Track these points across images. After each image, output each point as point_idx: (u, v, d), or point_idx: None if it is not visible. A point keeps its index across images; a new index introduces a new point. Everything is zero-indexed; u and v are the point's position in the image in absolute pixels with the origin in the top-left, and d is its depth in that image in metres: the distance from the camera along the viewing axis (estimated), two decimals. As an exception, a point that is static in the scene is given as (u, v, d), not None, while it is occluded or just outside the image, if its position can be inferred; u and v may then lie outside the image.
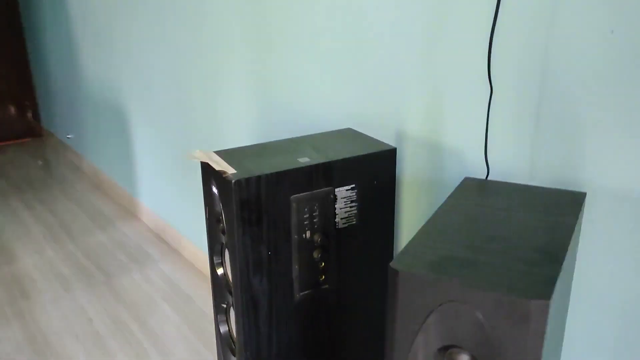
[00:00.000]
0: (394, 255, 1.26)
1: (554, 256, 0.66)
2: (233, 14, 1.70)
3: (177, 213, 2.47)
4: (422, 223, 1.22)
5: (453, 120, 1.07)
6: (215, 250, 1.09)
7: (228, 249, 1.01)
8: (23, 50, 4.30)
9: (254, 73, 1.67)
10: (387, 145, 1.09)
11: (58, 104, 3.93)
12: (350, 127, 1.32)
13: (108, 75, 2.86)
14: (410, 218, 1.23)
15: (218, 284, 1.12)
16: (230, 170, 0.96)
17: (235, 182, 0.93)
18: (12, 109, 4.38)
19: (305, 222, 1.02)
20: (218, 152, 1.06)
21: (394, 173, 1.08)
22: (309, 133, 1.47)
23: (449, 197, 0.85)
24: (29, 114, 4.44)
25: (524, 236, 0.71)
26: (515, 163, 0.97)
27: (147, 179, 2.71)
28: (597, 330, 0.93)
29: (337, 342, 1.14)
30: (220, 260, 1.10)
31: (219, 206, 1.02)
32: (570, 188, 0.90)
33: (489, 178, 1.01)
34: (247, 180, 0.94)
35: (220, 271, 1.10)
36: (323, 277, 1.08)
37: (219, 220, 1.04)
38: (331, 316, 1.11)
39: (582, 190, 0.88)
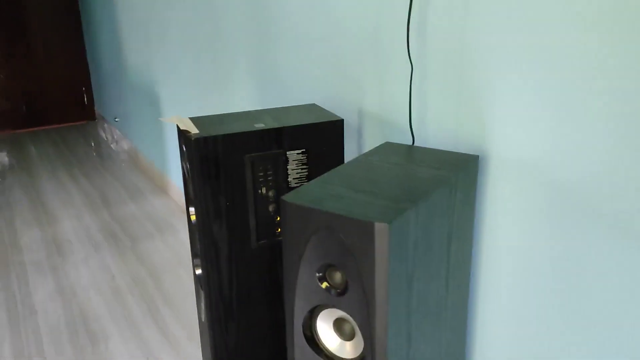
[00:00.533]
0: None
1: (413, 197, 0.80)
2: (237, 13, 1.88)
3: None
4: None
5: (395, 97, 1.20)
6: (190, 201, 1.28)
7: (192, 198, 1.19)
8: (81, 44, 4.67)
9: (256, 61, 1.85)
10: (336, 116, 1.24)
11: (108, 91, 4.25)
12: (315, 103, 1.48)
13: (145, 65, 3.12)
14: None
15: (192, 231, 1.31)
16: (194, 130, 1.15)
17: (194, 140, 1.11)
18: (72, 95, 4.76)
19: (260, 180, 1.19)
20: (191, 118, 1.25)
21: (342, 141, 1.23)
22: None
23: (363, 154, 0.99)
24: (85, 100, 4.80)
25: (402, 183, 0.86)
26: (436, 132, 1.11)
27: (176, 159, 2.94)
28: (497, 271, 1.05)
29: (291, 288, 1.31)
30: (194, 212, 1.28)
31: (186, 163, 1.20)
32: (476, 153, 1.02)
33: (415, 144, 1.14)
34: (205, 139, 1.12)
35: (194, 219, 1.29)
36: (279, 229, 1.25)
37: (187, 172, 1.23)
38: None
39: (482, 154, 1.01)
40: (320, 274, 0.82)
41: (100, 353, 1.83)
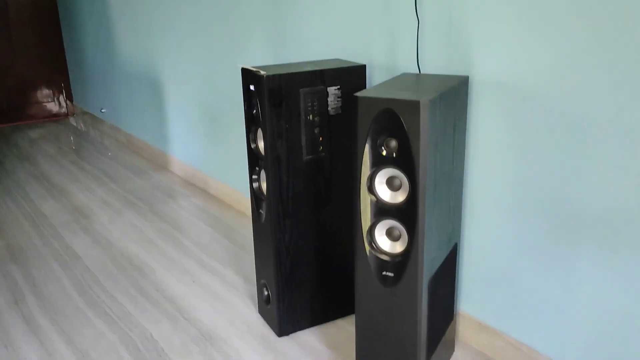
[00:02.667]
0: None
1: (435, 92, 1.27)
2: (254, -10, 2.31)
3: (205, 158, 3.08)
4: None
5: (400, 48, 1.68)
6: (251, 130, 1.70)
7: (260, 124, 1.62)
8: (58, 34, 4.92)
9: (271, 29, 2.28)
10: (360, 63, 1.70)
11: (92, 84, 4.54)
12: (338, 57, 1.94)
13: (144, 48, 3.48)
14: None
15: (252, 154, 1.73)
16: (262, 72, 1.57)
17: (265, 77, 1.54)
18: (47, 90, 5.00)
19: (309, 109, 1.63)
20: (255, 67, 1.67)
21: (364, 80, 1.69)
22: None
23: (388, 80, 1.46)
24: (64, 95, 5.05)
25: (425, 87, 1.32)
26: (434, 69, 1.58)
27: (178, 136, 3.32)
28: (482, 158, 1.54)
29: (330, 192, 1.75)
30: (254, 138, 1.70)
31: (255, 98, 1.63)
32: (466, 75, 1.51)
33: (422, 71, 1.62)
34: (272, 76, 1.55)
35: (253, 145, 1.71)
36: (321, 147, 1.69)
37: (253, 108, 1.65)
38: (326, 174, 1.72)
39: (471, 76, 1.50)
40: (380, 144, 1.27)
41: (151, 280, 2.20)
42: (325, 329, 1.86)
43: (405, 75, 1.51)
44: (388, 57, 1.76)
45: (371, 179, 1.32)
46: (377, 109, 1.25)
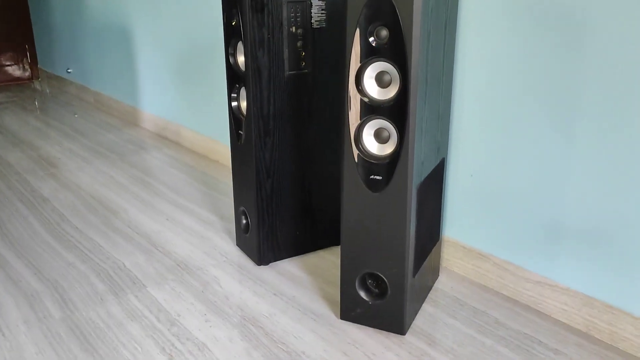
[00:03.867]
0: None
1: (432, -23, 1.22)
2: None
3: (178, 109, 2.98)
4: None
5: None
6: (231, 44, 1.62)
7: (241, 33, 1.54)
8: (25, 4, 4.72)
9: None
10: (346, -27, 1.63)
11: (57, 43, 4.37)
12: None
13: (113, 4, 3.34)
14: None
15: (231, 70, 1.65)
16: (244, -23, 1.49)
17: (248, -21, 1.47)
18: (10, 53, 4.79)
19: (292, 20, 1.56)
20: (233, -24, 1.59)
21: (350, -8, 1.63)
22: None
23: None
24: (29, 57, 4.85)
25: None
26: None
27: (149, 89, 3.20)
28: (470, 58, 1.49)
29: (313, 110, 1.68)
30: (233, 52, 1.62)
31: (235, 7, 1.55)
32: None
33: None
34: (256, -20, 1.48)
35: (232, 60, 1.63)
36: (303, 63, 1.62)
37: (232, 18, 1.57)
38: (308, 91, 1.66)
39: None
40: (371, 33, 1.21)
41: (123, 219, 2.11)
42: (307, 258, 1.80)
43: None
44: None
45: (360, 73, 1.26)
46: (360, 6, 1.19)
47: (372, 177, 1.32)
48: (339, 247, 1.87)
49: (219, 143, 2.70)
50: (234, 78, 1.65)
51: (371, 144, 1.31)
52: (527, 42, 1.38)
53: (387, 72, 1.24)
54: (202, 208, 2.20)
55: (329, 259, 1.80)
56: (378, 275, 1.39)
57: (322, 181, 1.77)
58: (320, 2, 1.59)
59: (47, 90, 4.53)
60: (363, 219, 1.36)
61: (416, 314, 1.50)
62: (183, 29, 2.74)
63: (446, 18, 1.37)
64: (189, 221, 2.08)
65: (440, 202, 1.60)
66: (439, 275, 1.70)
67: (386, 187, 1.31)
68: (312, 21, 1.60)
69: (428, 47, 1.25)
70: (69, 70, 4.33)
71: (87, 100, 4.09)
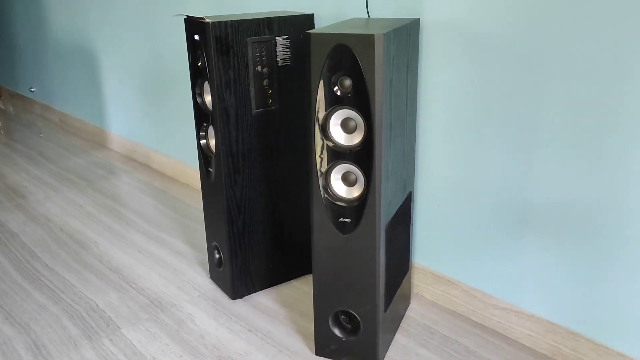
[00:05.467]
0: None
1: (389, 29, 1.24)
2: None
3: (146, 132, 2.96)
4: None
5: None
6: (197, 83, 1.63)
7: (207, 75, 1.55)
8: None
9: (212, -8, 2.20)
10: (309, 13, 1.65)
11: (19, 61, 4.29)
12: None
13: (76, 23, 3.30)
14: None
15: (198, 110, 1.66)
16: (207, 19, 1.51)
17: (211, 23, 1.48)
18: (-26, 70, 4.68)
19: (257, 59, 1.58)
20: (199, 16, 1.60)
21: (313, 28, 1.65)
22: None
23: (345, 20, 1.42)
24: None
25: (378, 25, 1.30)
26: (385, 7, 1.56)
27: (115, 110, 3.17)
28: (432, 95, 1.53)
29: (281, 146, 1.70)
30: (200, 92, 1.63)
31: (200, 48, 1.56)
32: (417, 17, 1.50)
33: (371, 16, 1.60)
34: (219, 23, 1.49)
35: (200, 100, 1.64)
36: (270, 100, 1.64)
37: (198, 60, 1.58)
38: (275, 127, 1.68)
39: (421, 18, 1.49)
40: (335, 83, 1.24)
41: (94, 253, 2.10)
42: (280, 290, 1.83)
43: (355, 19, 1.48)
44: (336, 6, 1.72)
45: (326, 120, 1.28)
46: (330, 45, 1.21)
47: (341, 219, 1.35)
48: (311, 275, 1.90)
49: (188, 167, 2.69)
50: (202, 116, 1.66)
51: (339, 188, 1.34)
52: (484, 75, 1.42)
53: (352, 119, 1.27)
54: (175, 237, 2.20)
55: (302, 289, 1.82)
56: (350, 312, 1.42)
57: (292, 213, 1.79)
58: (285, 40, 1.61)
59: (11, 109, 4.45)
60: (334, 259, 1.38)
61: (389, 346, 1.53)
62: (148, 52, 2.73)
63: (408, 61, 1.40)
64: (161, 253, 2.08)
65: (409, 233, 1.63)
66: (410, 302, 1.74)
67: (355, 229, 1.34)
68: (278, 59, 1.61)
69: (391, 94, 1.28)
70: (32, 89, 4.25)
71: (51, 120, 4.03)
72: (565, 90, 1.29)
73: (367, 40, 1.17)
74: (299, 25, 1.62)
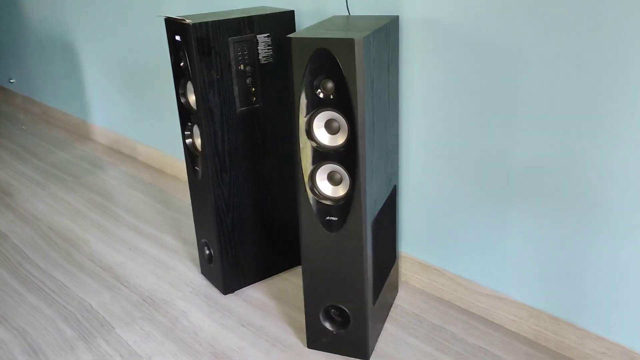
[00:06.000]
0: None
1: (369, 31, 1.25)
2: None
3: (130, 122, 2.95)
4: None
5: (331, -9, 1.65)
6: (180, 84, 1.63)
7: (190, 75, 1.55)
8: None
9: (191, -15, 2.18)
10: (288, 9, 1.65)
11: (-1, 54, 4.22)
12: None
13: (55, 13, 3.25)
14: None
15: (183, 109, 1.66)
16: (188, 20, 1.50)
17: (192, 25, 1.48)
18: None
19: (239, 58, 1.58)
20: (181, 16, 1.59)
21: (294, 25, 1.65)
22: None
23: (321, 21, 1.43)
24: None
25: (359, 27, 1.31)
26: (365, 9, 1.57)
27: (98, 101, 3.15)
28: (414, 92, 1.55)
29: (267, 143, 1.72)
30: (183, 92, 1.64)
31: (182, 49, 1.56)
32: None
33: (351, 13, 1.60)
34: (200, 24, 1.48)
35: (183, 100, 1.64)
36: (254, 98, 1.65)
37: (180, 60, 1.58)
38: (261, 124, 1.69)
39: (401, 15, 1.50)
40: (317, 86, 1.25)
41: (85, 252, 2.11)
42: (271, 282, 1.86)
43: (335, 18, 1.49)
44: (316, 2, 1.72)
45: (309, 123, 1.30)
46: (311, 50, 1.22)
47: (328, 218, 1.37)
48: (300, 267, 1.93)
49: (175, 159, 2.70)
50: (186, 116, 1.67)
51: (325, 187, 1.36)
52: (463, 69, 1.44)
53: (336, 120, 1.29)
54: (165, 232, 2.22)
55: (292, 281, 1.86)
56: (340, 306, 1.46)
57: (280, 207, 1.81)
58: (267, 38, 1.61)
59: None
60: (322, 255, 1.41)
61: (379, 335, 1.58)
62: (129, 43, 2.71)
63: (388, 60, 1.42)
64: (152, 249, 2.10)
65: (395, 226, 1.67)
66: (397, 291, 1.78)
67: (342, 227, 1.37)
68: (260, 57, 1.62)
69: (372, 94, 1.30)
70: (11, 81, 4.20)
71: (33, 112, 3.99)
72: (547, 96, 1.31)
73: (347, 44, 1.19)
74: (279, 23, 1.62)
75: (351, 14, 1.61)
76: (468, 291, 1.65)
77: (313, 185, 1.36)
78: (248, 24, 1.57)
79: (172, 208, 2.42)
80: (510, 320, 1.57)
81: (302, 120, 1.29)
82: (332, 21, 1.43)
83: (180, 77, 1.63)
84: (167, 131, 2.68)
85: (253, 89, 1.64)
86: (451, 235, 1.64)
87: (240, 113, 1.63)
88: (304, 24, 1.79)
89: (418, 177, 1.66)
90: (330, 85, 1.25)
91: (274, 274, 1.89)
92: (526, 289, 1.51)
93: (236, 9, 1.71)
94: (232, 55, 1.56)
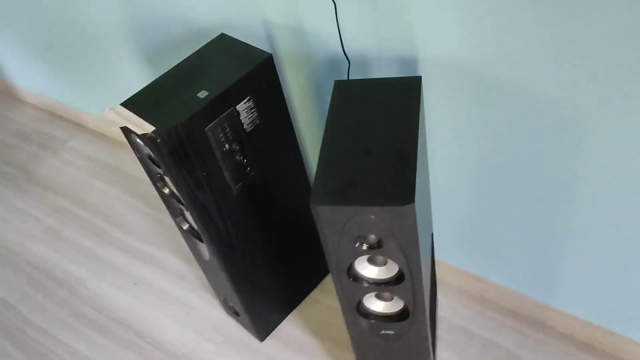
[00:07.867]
0: (296, 132, 1.54)
1: (407, 158, 0.95)
2: None
3: (67, 90, 2.48)
4: (306, 99, 1.46)
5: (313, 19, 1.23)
6: (155, 179, 1.31)
7: (171, 182, 1.23)
8: None
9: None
10: (265, 52, 1.25)
11: None
12: (223, 31, 1.44)
13: None
14: (299, 96, 1.47)
15: (167, 199, 1.36)
16: (148, 127, 1.13)
17: (160, 140, 1.12)
18: None
19: (222, 140, 1.24)
20: (125, 105, 1.20)
21: (276, 73, 1.27)
22: (182, 37, 1.58)
23: (331, 109, 1.09)
24: None
25: (382, 141, 0.99)
26: (366, 49, 1.19)
27: (23, 63, 2.59)
28: (441, 152, 1.29)
29: (272, 206, 1.46)
30: (162, 183, 1.32)
31: (155, 163, 1.21)
32: (411, 62, 1.15)
33: (350, 67, 1.23)
34: (168, 132, 1.12)
35: (166, 191, 1.33)
36: (248, 168, 1.34)
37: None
38: (262, 191, 1.41)
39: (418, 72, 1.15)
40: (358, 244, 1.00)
41: (84, 296, 1.93)
42: (303, 311, 1.75)
43: (341, 91, 1.13)
44: (299, 42, 1.30)
45: (350, 269, 1.07)
46: (345, 218, 0.94)
47: (383, 332, 1.23)
48: (326, 278, 1.82)
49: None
50: (173, 204, 1.38)
51: (375, 305, 1.19)
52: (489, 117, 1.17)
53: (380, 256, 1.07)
54: (161, 249, 2.01)
55: (323, 303, 1.76)
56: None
57: (292, 240, 1.62)
58: (247, 102, 1.25)
59: None
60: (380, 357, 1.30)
61: (434, 369, 1.55)
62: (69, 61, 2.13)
63: (423, 141, 1.12)
64: (157, 279, 1.93)
65: (433, 263, 1.52)
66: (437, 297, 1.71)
67: (400, 338, 1.23)
68: (245, 127, 1.28)
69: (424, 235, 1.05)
70: None
71: None
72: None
73: (397, 213, 0.91)
74: (258, 78, 1.25)
75: (352, 65, 1.23)
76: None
77: (364, 311, 1.18)
78: (224, 100, 1.20)
79: (155, 206, 2.17)
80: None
81: (342, 267, 1.06)
82: (347, 108, 1.08)
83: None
84: (113, 96, 2.26)
85: (245, 161, 1.33)
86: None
87: (237, 192, 1.35)
88: (285, 69, 1.39)
89: (449, 225, 1.46)
90: (373, 237, 1.00)
91: (303, 297, 1.78)
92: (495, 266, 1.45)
93: (192, 56, 1.29)
94: (213, 144, 1.23)
